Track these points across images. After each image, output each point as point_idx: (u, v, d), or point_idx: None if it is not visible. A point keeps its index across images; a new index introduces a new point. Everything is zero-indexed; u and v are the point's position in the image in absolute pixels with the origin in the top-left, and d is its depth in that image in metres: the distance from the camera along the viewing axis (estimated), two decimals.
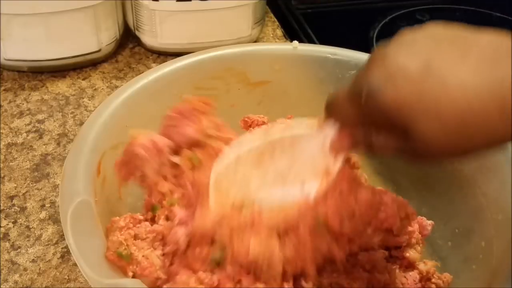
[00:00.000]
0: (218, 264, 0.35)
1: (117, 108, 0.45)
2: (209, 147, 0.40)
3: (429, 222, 0.43)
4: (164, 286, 0.35)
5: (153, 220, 0.38)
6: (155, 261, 0.35)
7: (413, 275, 0.42)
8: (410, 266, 0.43)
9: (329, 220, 0.37)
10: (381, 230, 0.39)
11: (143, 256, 0.35)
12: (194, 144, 0.41)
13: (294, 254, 0.37)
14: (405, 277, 0.42)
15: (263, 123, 0.49)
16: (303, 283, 0.37)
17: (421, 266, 0.43)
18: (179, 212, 0.37)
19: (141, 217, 0.38)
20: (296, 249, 0.37)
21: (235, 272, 0.35)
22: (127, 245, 0.35)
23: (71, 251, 0.34)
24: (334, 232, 0.37)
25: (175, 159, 0.40)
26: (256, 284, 0.35)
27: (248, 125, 0.49)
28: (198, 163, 0.39)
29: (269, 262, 0.35)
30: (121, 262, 0.35)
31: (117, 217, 0.38)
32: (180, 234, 0.36)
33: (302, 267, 0.37)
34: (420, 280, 0.43)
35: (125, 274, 0.35)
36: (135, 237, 0.37)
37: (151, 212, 0.38)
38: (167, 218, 0.38)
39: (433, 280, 0.42)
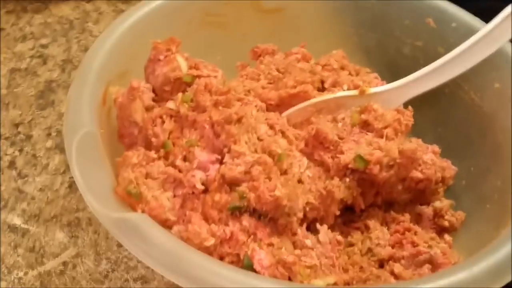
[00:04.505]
0: (235, 213, 0.34)
1: (123, 34, 0.43)
2: (196, 85, 0.39)
3: (453, 167, 0.42)
4: (175, 227, 0.34)
5: (166, 158, 0.37)
6: (165, 203, 0.34)
7: (427, 212, 0.42)
8: (426, 202, 0.42)
9: (371, 162, 0.36)
10: (412, 189, 0.38)
11: (152, 196, 0.34)
12: (179, 87, 0.40)
13: (320, 202, 0.36)
14: (419, 214, 0.42)
15: (273, 51, 0.47)
16: (317, 225, 0.36)
17: (437, 203, 0.42)
18: (200, 155, 0.36)
19: (155, 156, 0.37)
20: (323, 199, 0.36)
21: (251, 224, 0.34)
22: (137, 183, 0.34)
23: (77, 184, 0.33)
24: (369, 176, 0.37)
25: (170, 104, 0.39)
26: (271, 238, 0.34)
27: (258, 55, 0.47)
28: (192, 102, 0.38)
29: (292, 206, 0.34)
30: (130, 199, 0.34)
31: (130, 152, 0.37)
32: (198, 177, 0.35)
33: (323, 215, 0.37)
34: (434, 217, 0.42)
35: (134, 211, 0.34)
36: (147, 175, 0.36)
37: (163, 150, 0.37)
38: (185, 159, 0.36)
39: (446, 217, 0.42)
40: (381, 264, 0.38)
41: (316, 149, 0.38)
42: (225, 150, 0.36)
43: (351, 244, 0.39)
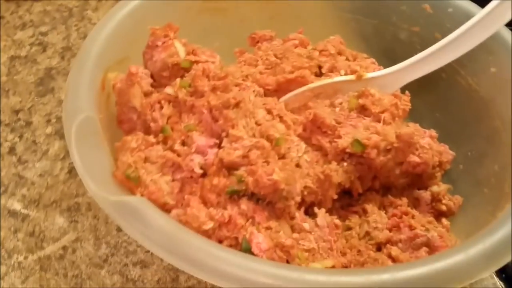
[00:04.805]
0: (233, 197, 0.34)
1: (122, 21, 0.43)
2: (194, 70, 0.39)
3: (451, 152, 0.42)
4: (173, 211, 0.34)
5: (164, 143, 0.37)
6: (163, 187, 0.35)
7: (425, 196, 0.42)
8: (423, 187, 0.42)
9: (369, 146, 0.36)
10: (410, 173, 0.38)
11: (151, 180, 0.34)
12: (177, 72, 0.40)
13: (318, 186, 0.36)
14: (417, 198, 0.42)
15: (271, 38, 0.47)
16: (315, 209, 0.37)
17: (434, 188, 0.42)
18: (198, 140, 0.36)
19: (154, 140, 0.37)
20: (321, 183, 0.36)
21: (249, 208, 0.34)
22: (136, 167, 0.35)
23: (76, 168, 0.33)
24: (366, 160, 0.37)
25: (168, 90, 0.39)
26: (269, 222, 0.34)
27: (256, 41, 0.47)
28: (190, 87, 0.38)
29: (290, 190, 0.34)
30: (129, 183, 0.34)
31: (129, 137, 0.37)
32: (197, 162, 0.35)
33: (321, 199, 0.37)
34: (431, 201, 0.42)
35: (133, 195, 0.34)
36: (146, 160, 0.36)
37: (161, 134, 0.37)
38: (183, 144, 0.36)
39: (443, 201, 0.42)
40: (379, 247, 0.38)
41: (314, 134, 0.38)
42: (223, 134, 0.36)
43: (349, 228, 0.39)
